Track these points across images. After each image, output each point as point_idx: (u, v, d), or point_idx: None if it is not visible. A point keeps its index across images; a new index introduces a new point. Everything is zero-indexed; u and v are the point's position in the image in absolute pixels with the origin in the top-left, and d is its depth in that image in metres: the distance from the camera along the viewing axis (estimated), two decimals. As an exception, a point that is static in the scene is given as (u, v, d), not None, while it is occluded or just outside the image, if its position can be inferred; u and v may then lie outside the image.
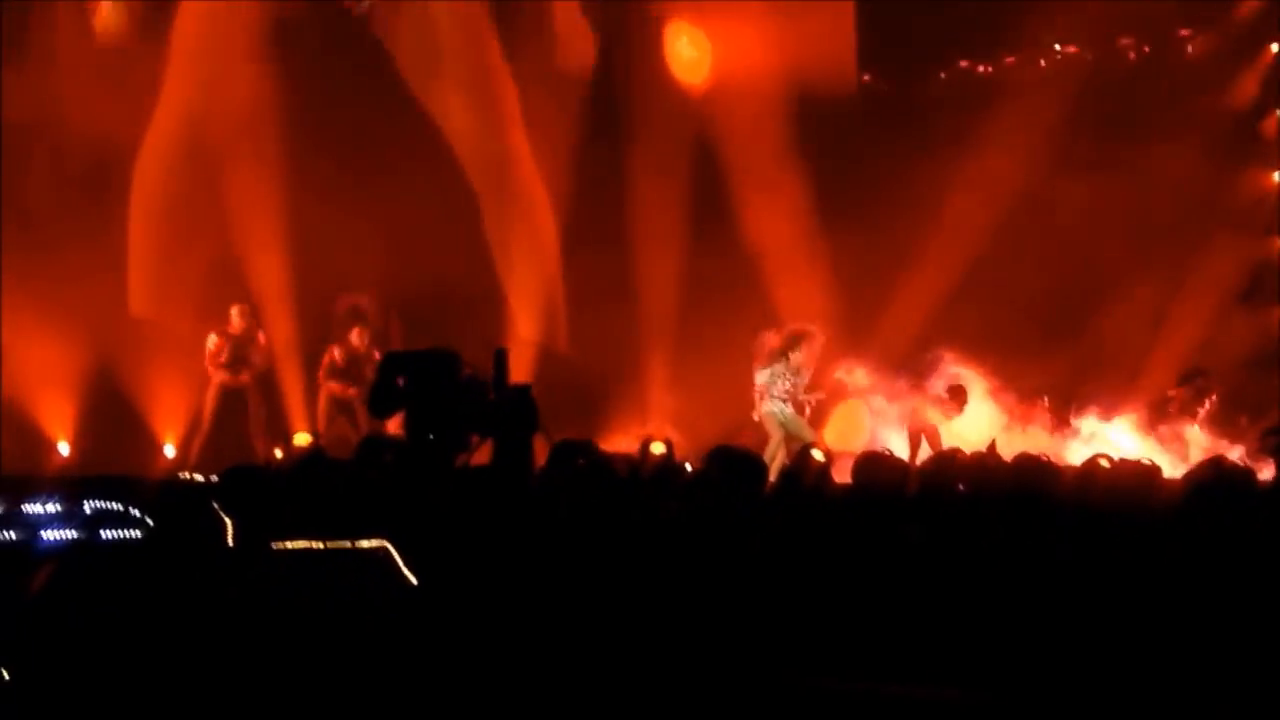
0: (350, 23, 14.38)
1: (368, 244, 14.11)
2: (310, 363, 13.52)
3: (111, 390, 13.01)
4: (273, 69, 13.83)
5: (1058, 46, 16.96)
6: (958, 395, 13.52)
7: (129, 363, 13.08)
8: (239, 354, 13.03)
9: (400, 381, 3.56)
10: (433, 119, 14.35)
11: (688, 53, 15.71)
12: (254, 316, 13.30)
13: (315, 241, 13.92)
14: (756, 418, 12.94)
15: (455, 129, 14.40)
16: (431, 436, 3.56)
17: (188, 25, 13.65)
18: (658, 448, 8.38)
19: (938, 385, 13.71)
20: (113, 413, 12.97)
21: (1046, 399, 14.10)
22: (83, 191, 13.27)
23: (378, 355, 13.17)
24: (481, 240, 14.65)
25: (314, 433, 12.25)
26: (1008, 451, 8.83)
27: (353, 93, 14.11)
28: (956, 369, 13.78)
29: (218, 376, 12.98)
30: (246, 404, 13.13)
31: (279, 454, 12.14)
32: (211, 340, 13.02)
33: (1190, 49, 16.51)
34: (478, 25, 14.55)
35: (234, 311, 13.12)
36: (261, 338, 13.24)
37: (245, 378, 13.10)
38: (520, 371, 11.84)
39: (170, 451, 13.09)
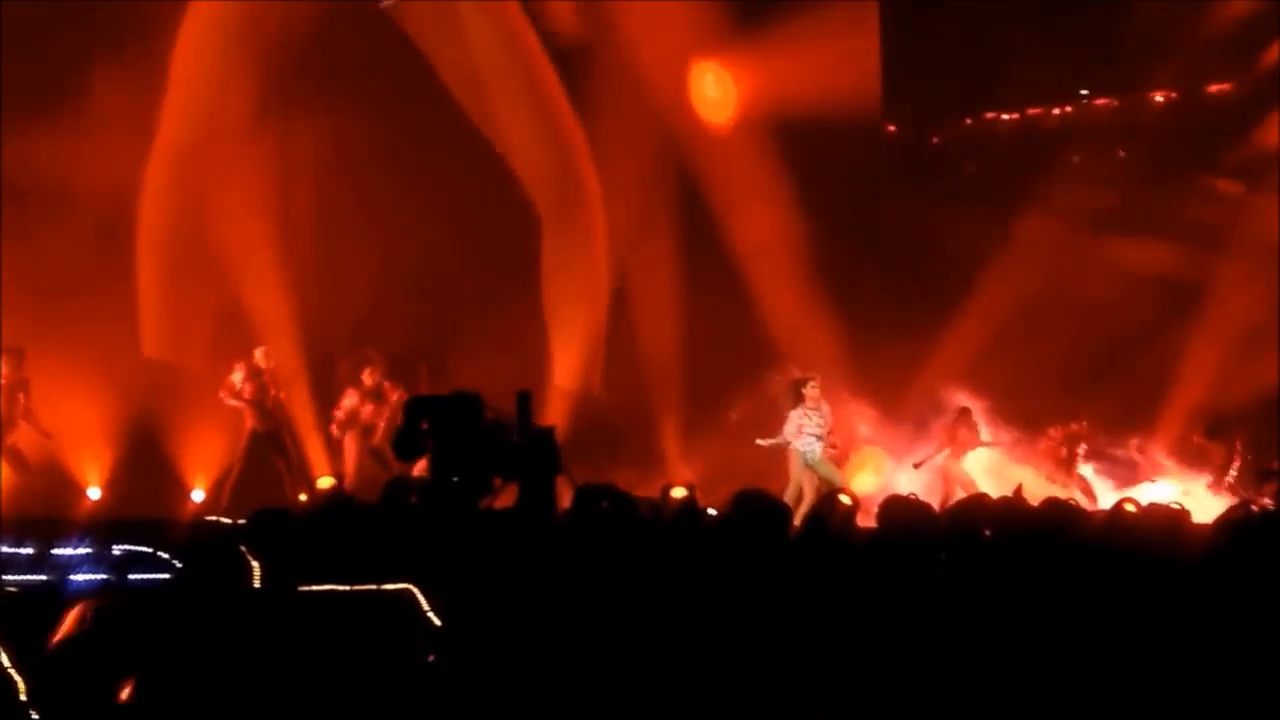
0: (378, 45, 13.95)
1: (396, 286, 14.09)
2: (326, 410, 13.48)
3: (140, 435, 13.00)
4: (289, 97, 13.67)
5: (1084, 92, 16.96)
6: (965, 417, 13.65)
7: (156, 408, 13.07)
8: (264, 393, 13.00)
9: (424, 425, 3.58)
10: (485, 149, 14.10)
11: (712, 93, 15.58)
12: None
13: (339, 285, 13.93)
14: (764, 443, 12.82)
15: (520, 148, 14.13)
16: (455, 479, 3.58)
17: (186, 55, 13.36)
18: (678, 491, 8.34)
19: (948, 417, 13.86)
20: (141, 458, 12.97)
21: (1056, 435, 14.07)
22: (101, 239, 13.23)
23: (388, 387, 13.16)
24: (514, 281, 14.44)
25: (337, 475, 12.22)
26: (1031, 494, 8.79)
27: (383, 125, 13.90)
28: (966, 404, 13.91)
29: (250, 421, 12.95)
30: (280, 449, 13.09)
31: (303, 497, 12.14)
32: (237, 375, 12.96)
33: (1216, 97, 16.48)
34: (529, 44, 14.28)
35: (259, 353, 13.11)
36: (281, 381, 13.21)
37: (279, 418, 13.10)
38: (551, 416, 11.82)
39: (199, 495, 13.10)
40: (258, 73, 13.46)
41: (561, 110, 14.40)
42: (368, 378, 13.20)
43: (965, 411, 13.84)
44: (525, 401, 3.61)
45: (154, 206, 13.40)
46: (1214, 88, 16.49)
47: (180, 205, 13.43)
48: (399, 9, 14.00)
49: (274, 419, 13.05)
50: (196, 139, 13.40)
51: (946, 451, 13.65)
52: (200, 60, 13.41)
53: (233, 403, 12.92)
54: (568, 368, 14.40)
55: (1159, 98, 16.79)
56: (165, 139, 13.40)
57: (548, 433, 3.64)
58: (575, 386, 14.24)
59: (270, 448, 13.02)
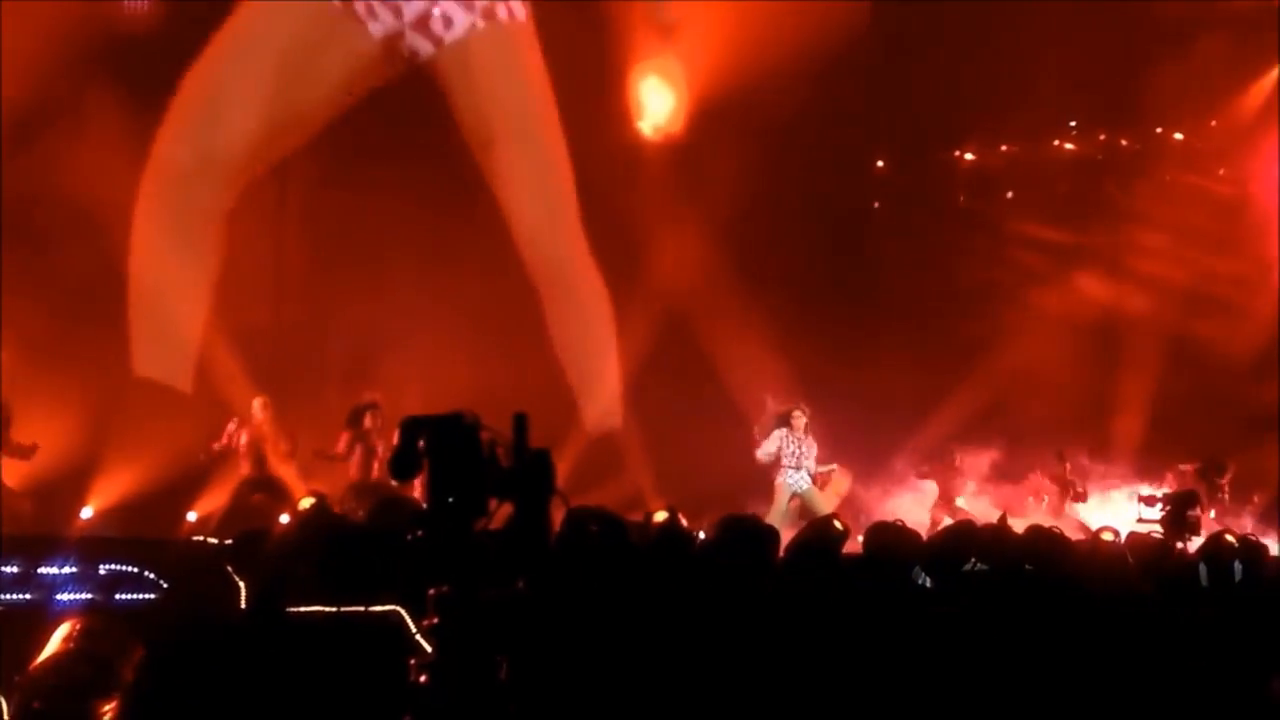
0: (387, 101, 13.90)
1: (388, 321, 13.97)
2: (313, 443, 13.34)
3: (137, 456, 12.86)
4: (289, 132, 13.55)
5: (1073, 124, 17.10)
6: (946, 458, 13.91)
7: (153, 429, 12.91)
8: (258, 449, 12.92)
9: (420, 445, 3.59)
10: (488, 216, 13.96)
11: (656, 99, 14.61)
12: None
13: (331, 318, 13.83)
14: (762, 455, 12.97)
15: (516, 221, 13.96)
16: (450, 500, 3.58)
17: (195, 82, 13.26)
18: (660, 515, 8.31)
19: (932, 460, 14.07)
20: (136, 479, 12.83)
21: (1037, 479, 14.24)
22: (101, 259, 13.15)
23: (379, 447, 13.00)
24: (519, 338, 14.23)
25: (317, 495, 12.16)
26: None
27: (393, 175, 13.79)
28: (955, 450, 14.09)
29: (244, 468, 12.86)
30: (272, 495, 12.96)
31: (285, 518, 12.06)
32: (232, 426, 12.87)
33: (1186, 142, 16.67)
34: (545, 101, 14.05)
35: (256, 404, 12.98)
36: (280, 435, 13.02)
37: (272, 470, 12.99)
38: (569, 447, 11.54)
39: (193, 516, 12.96)
40: (261, 108, 13.30)
41: (564, 169, 14.14)
42: (369, 420, 13.08)
43: (949, 453, 14.06)
44: (521, 423, 3.61)
45: (145, 224, 13.21)
46: (1186, 131, 16.68)
47: (172, 225, 13.23)
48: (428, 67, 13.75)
49: (266, 469, 12.94)
50: (193, 164, 13.25)
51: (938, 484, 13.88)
52: (205, 88, 13.25)
53: (219, 447, 12.82)
54: (593, 406, 14.20)
55: (1124, 142, 16.98)
56: (161, 160, 13.25)
57: (543, 455, 3.64)
58: (601, 426, 14.11)
59: (262, 494, 12.93)
